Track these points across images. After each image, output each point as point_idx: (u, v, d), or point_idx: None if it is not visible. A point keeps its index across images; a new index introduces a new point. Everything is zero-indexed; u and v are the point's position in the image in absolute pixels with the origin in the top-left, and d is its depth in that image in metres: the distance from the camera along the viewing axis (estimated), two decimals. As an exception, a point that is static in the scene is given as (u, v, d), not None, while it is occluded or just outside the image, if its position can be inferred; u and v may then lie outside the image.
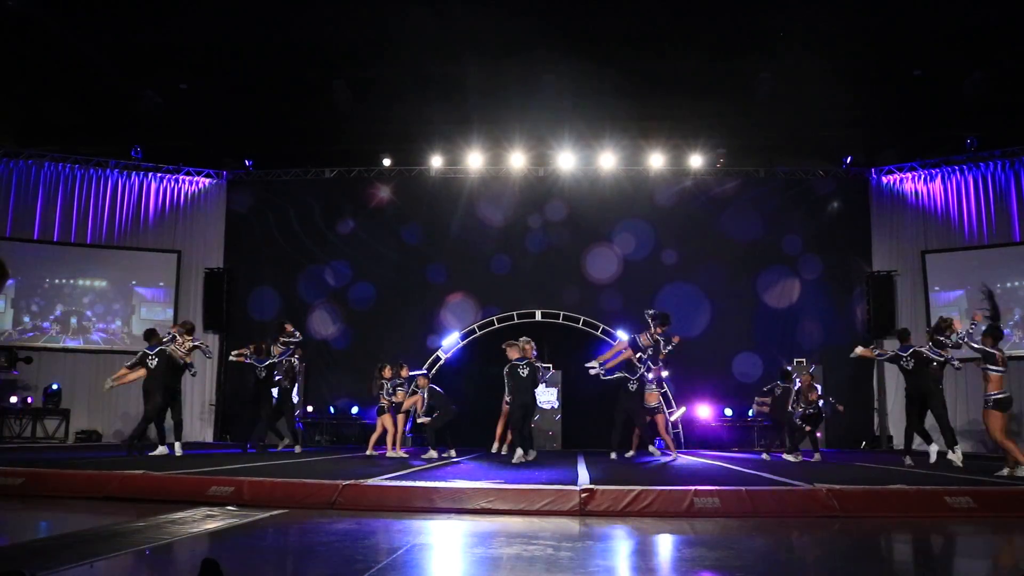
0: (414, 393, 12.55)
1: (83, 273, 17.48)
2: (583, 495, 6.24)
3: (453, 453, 12.21)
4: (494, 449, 12.95)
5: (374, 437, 12.60)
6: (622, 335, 16.72)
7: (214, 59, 14.14)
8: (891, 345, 17.04)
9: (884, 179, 17.67)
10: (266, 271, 17.88)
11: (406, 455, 11.98)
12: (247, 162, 18.26)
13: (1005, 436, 8.70)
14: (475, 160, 17.65)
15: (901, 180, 17.55)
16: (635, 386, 12.37)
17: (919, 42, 13.33)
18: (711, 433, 16.91)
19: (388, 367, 12.29)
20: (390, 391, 12.20)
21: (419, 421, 12.44)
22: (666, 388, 15.73)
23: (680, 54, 13.85)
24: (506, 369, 10.97)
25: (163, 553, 4.54)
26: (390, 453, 11.93)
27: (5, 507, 6.56)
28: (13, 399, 16.46)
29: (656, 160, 17.48)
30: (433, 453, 11.94)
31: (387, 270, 17.65)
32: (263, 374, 12.88)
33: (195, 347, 11.60)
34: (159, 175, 18.10)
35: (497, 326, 16.83)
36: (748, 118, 16.06)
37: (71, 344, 17.20)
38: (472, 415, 15.10)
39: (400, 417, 12.35)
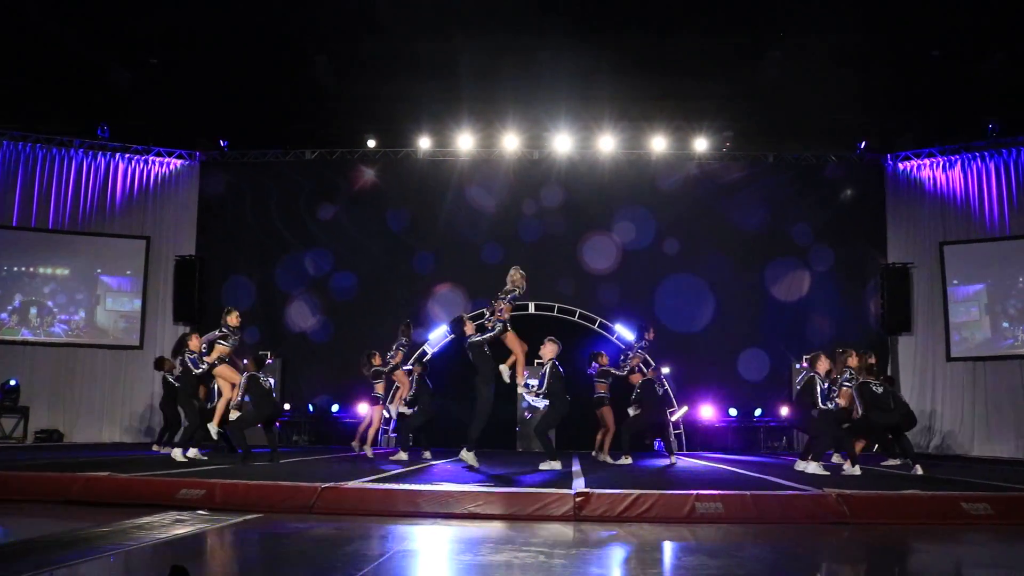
0: (409, 374, 12.73)
1: (44, 261, 17.38)
2: (577, 499, 6.25)
3: (428, 455, 12.29)
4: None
5: (371, 433, 12.58)
6: (624, 331, 16.74)
7: (187, 32, 14.03)
8: (905, 342, 17.17)
9: (900, 165, 17.69)
10: (241, 259, 17.82)
11: (374, 456, 12.09)
12: (222, 142, 18.16)
13: None
14: (465, 142, 17.60)
15: (918, 167, 17.57)
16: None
17: (937, 21, 13.31)
18: (714, 434, 16.96)
19: (376, 354, 12.43)
20: (391, 354, 12.36)
21: (400, 410, 12.47)
22: (667, 386, 15.74)
23: (684, 31, 13.81)
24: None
25: (129, 560, 4.52)
26: (358, 447, 12.14)
27: (-40, 510, 6.53)
28: (-33, 395, 16.38)
29: (658, 143, 17.47)
30: (403, 455, 11.97)
31: (371, 258, 17.62)
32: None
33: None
34: (127, 156, 18.01)
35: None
36: (756, 100, 16.03)
37: (30, 337, 17.13)
38: (460, 413, 15.11)
39: (379, 409, 12.52)
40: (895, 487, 7.08)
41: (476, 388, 9.78)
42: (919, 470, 9.76)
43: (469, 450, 9.61)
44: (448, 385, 14.85)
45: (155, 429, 15.69)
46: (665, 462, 11.77)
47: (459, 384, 15.92)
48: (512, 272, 10.18)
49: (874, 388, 10.30)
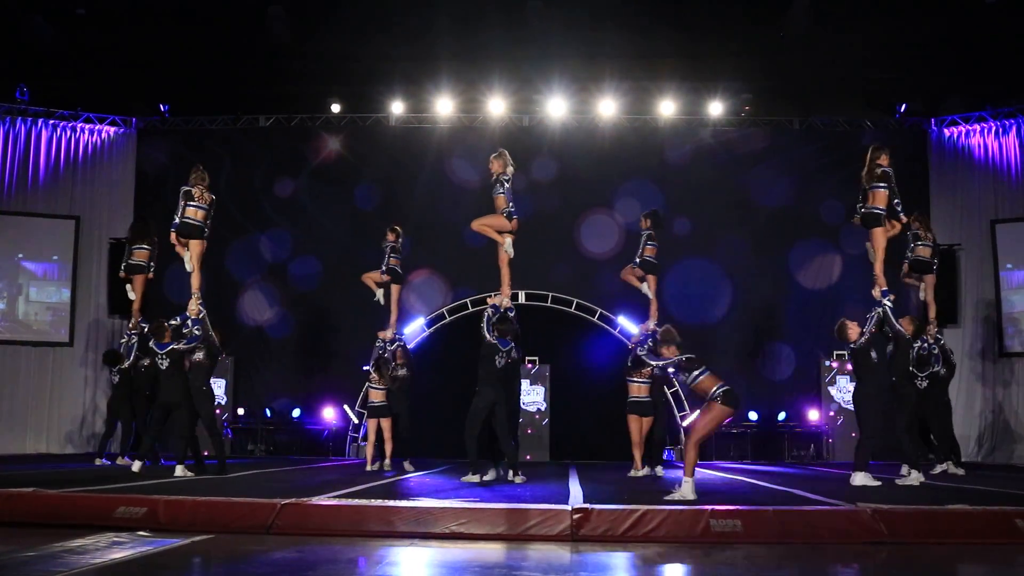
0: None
1: (-45, 244, 17.32)
2: (575, 516, 6.28)
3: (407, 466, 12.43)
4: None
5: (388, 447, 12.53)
6: (627, 323, 16.75)
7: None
8: (951, 336, 17.17)
9: (946, 132, 17.73)
10: (186, 242, 17.75)
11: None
12: (162, 107, 18.08)
13: None
14: (445, 106, 17.57)
15: (967, 133, 17.60)
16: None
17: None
18: (731, 441, 17.00)
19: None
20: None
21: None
22: (676, 386, 15.78)
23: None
24: None
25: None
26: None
27: None
28: None
29: (667, 107, 17.46)
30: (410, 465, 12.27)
31: (336, 241, 17.57)
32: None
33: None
34: (51, 122, 17.88)
35: (471, 310, 16.80)
36: (780, 57, 16.04)
37: (-59, 332, 17.07)
38: (440, 418, 15.12)
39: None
40: (939, 501, 7.12)
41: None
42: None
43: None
44: (426, 386, 14.87)
45: (92, 438, 15.62)
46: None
47: (439, 382, 16.02)
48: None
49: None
